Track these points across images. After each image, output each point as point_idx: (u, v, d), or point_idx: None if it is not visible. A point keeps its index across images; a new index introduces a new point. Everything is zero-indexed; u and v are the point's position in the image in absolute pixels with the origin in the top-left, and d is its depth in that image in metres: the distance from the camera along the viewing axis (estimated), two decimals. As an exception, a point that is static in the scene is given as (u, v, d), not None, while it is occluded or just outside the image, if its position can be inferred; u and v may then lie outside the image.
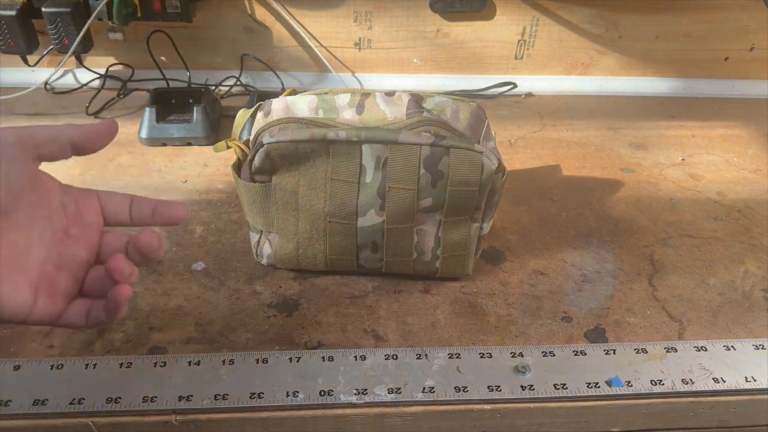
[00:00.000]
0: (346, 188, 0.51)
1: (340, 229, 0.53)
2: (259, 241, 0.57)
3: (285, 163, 0.51)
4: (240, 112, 0.56)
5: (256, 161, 0.51)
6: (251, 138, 0.53)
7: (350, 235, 0.53)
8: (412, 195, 0.50)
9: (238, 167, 0.54)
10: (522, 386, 0.46)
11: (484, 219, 0.55)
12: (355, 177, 0.50)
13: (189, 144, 0.80)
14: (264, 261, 0.57)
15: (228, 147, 0.54)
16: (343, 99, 0.51)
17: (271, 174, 0.52)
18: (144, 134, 0.79)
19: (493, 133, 0.55)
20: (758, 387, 0.48)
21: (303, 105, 0.51)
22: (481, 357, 0.49)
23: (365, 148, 0.49)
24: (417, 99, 0.51)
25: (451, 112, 0.51)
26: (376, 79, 1.01)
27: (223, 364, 0.47)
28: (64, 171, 0.75)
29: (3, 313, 0.32)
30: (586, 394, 0.46)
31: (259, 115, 0.53)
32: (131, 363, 0.47)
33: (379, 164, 0.50)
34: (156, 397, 0.44)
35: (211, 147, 0.80)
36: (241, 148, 0.53)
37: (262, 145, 0.50)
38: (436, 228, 0.53)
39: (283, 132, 0.49)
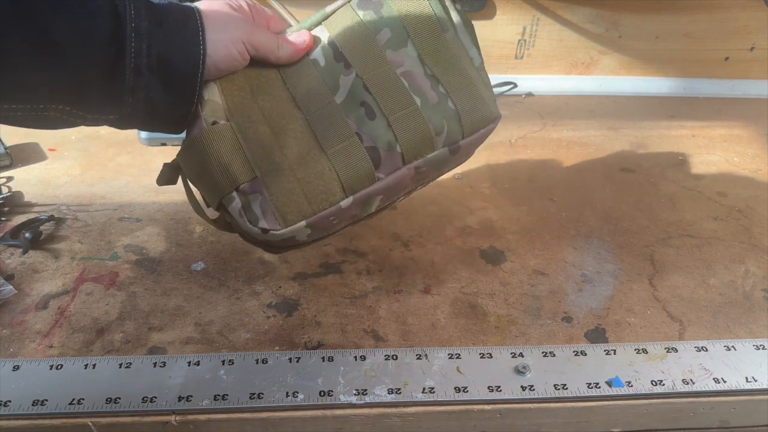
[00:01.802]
0: (308, 81, 0.47)
1: (324, 115, 0.46)
2: (242, 205, 0.45)
3: (236, 94, 0.47)
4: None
5: (205, 93, 0.46)
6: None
7: (337, 114, 0.46)
8: (365, 32, 0.47)
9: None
10: (522, 386, 0.46)
11: (465, 45, 0.49)
12: (311, 69, 0.48)
13: (189, 144, 0.80)
14: (263, 222, 0.45)
15: (171, 179, 0.50)
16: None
17: (227, 115, 0.46)
18: (144, 134, 0.79)
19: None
20: (759, 387, 0.47)
21: None
22: (481, 357, 0.49)
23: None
24: None
25: None
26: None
27: (223, 364, 0.47)
28: (64, 171, 0.75)
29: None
30: (587, 394, 0.46)
31: None
32: (131, 363, 0.47)
33: (325, 46, 0.48)
34: (155, 397, 0.44)
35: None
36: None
37: (206, 82, 0.46)
38: (421, 66, 0.47)
39: None
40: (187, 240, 0.63)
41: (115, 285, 0.56)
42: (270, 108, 0.47)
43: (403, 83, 0.46)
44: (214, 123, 0.46)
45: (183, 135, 0.84)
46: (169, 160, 0.49)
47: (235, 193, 0.45)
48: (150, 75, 0.41)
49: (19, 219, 0.64)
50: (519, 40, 1.00)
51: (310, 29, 0.49)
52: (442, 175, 0.51)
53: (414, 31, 0.47)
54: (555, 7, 0.97)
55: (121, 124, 0.44)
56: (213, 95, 0.46)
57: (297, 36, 0.48)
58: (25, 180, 0.72)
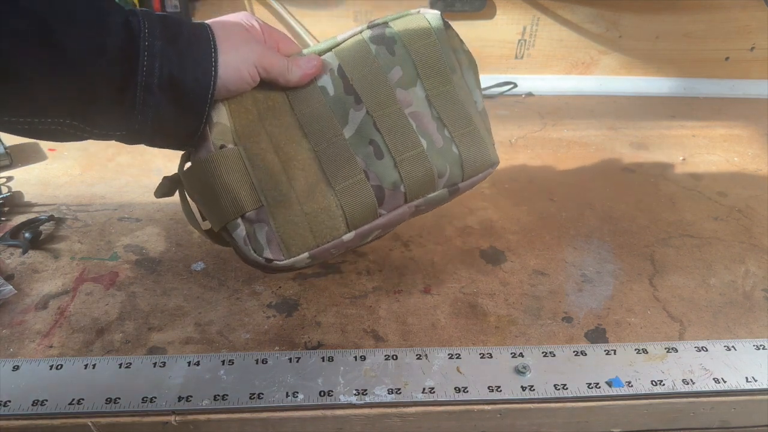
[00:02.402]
0: (316, 110, 0.48)
1: (333, 149, 0.47)
2: (248, 232, 0.45)
3: (244, 117, 0.46)
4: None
5: (214, 116, 0.45)
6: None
7: (345, 150, 0.47)
8: (377, 69, 0.48)
9: (187, 157, 0.48)
10: (522, 386, 0.46)
11: (470, 87, 0.52)
12: (319, 97, 0.48)
13: (189, 144, 0.79)
14: (267, 251, 0.45)
15: (170, 190, 0.50)
16: None
17: (235, 139, 0.46)
18: (144, 134, 0.79)
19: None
20: (759, 387, 0.47)
21: None
22: (481, 357, 0.49)
23: None
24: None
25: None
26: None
27: (223, 364, 0.47)
28: (64, 171, 0.75)
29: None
30: (587, 394, 0.46)
31: None
32: (130, 363, 0.47)
33: (334, 74, 0.49)
34: (155, 397, 0.44)
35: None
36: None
37: (215, 102, 0.45)
38: (428, 107, 0.49)
39: None
40: (187, 240, 0.63)
41: (115, 285, 0.56)
42: (278, 134, 0.47)
43: (411, 125, 0.48)
44: (222, 147, 0.45)
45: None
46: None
47: (240, 221, 0.45)
48: (160, 94, 0.41)
49: (19, 219, 0.64)
50: (519, 40, 1.00)
51: (319, 55, 0.49)
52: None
53: (424, 72, 0.49)
54: (555, 7, 0.97)
55: (128, 139, 0.44)
56: (221, 117, 0.46)
57: (307, 61, 0.48)
58: (25, 180, 0.72)
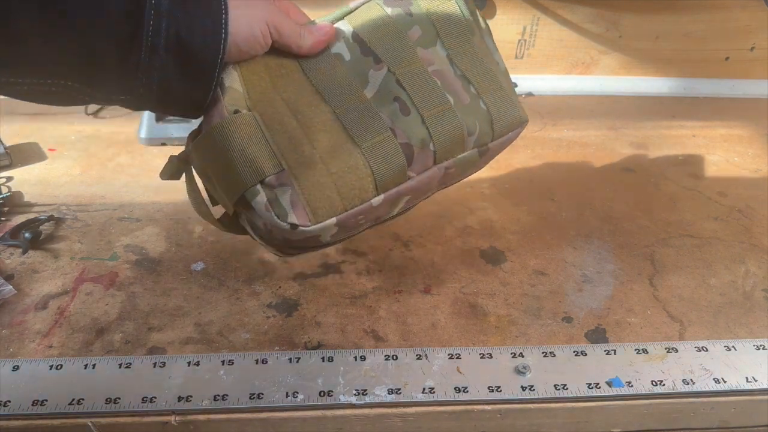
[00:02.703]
0: (333, 75, 0.46)
1: (355, 111, 0.44)
2: (269, 199, 0.42)
3: (258, 83, 0.44)
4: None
5: (226, 80, 0.43)
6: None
7: (369, 109, 0.44)
8: (395, 29, 0.47)
9: (195, 135, 0.45)
10: (522, 387, 0.46)
11: (491, 49, 0.50)
12: (334, 63, 0.46)
13: (189, 144, 0.80)
14: (292, 216, 0.41)
15: (179, 172, 0.47)
16: None
17: (248, 105, 0.43)
18: (143, 134, 0.79)
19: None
20: (759, 387, 0.47)
21: None
22: (481, 357, 0.49)
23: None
24: None
25: None
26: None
27: (223, 364, 0.47)
28: (64, 170, 0.75)
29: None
30: (587, 394, 0.46)
31: None
32: (130, 363, 0.47)
33: (349, 40, 0.47)
34: (155, 397, 0.44)
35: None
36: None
37: (225, 66, 0.43)
38: (450, 65, 0.47)
39: None
40: (187, 240, 0.63)
41: (114, 285, 0.56)
42: (294, 99, 0.44)
43: (436, 82, 0.46)
44: (236, 112, 0.42)
45: (182, 135, 0.84)
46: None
47: (260, 186, 0.41)
48: (167, 55, 0.39)
49: (18, 219, 0.64)
50: (519, 40, 1.00)
51: (331, 23, 0.48)
52: (464, 179, 0.52)
53: (444, 31, 0.47)
54: (555, 7, 0.97)
55: (133, 104, 0.42)
56: (234, 83, 0.43)
57: (318, 27, 0.46)
58: (24, 180, 0.72)
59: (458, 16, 0.48)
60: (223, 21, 0.40)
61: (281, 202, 0.41)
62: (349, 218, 0.43)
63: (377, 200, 0.44)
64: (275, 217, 0.41)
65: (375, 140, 0.44)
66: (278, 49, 0.45)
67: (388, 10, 0.47)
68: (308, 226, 0.42)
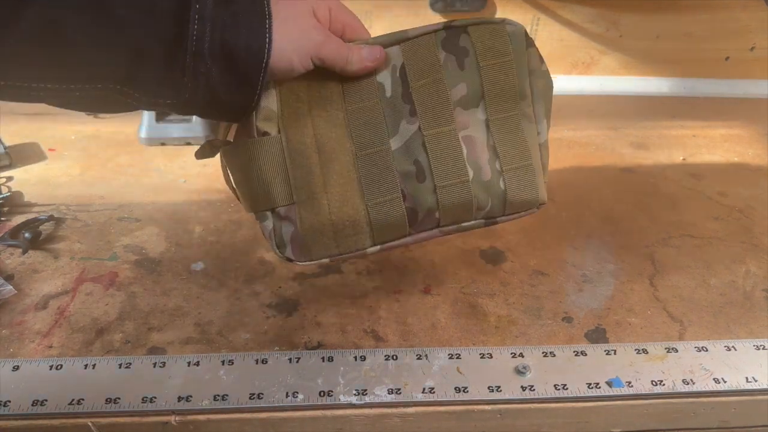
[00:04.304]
0: (368, 110, 0.45)
1: (375, 161, 0.44)
2: (274, 228, 0.45)
3: (294, 102, 0.44)
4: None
5: (263, 100, 0.43)
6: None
7: (387, 165, 0.44)
8: (440, 83, 0.44)
9: (225, 143, 0.47)
10: (522, 387, 0.46)
11: (537, 117, 0.47)
12: (375, 96, 0.45)
13: (188, 144, 0.79)
14: (288, 250, 0.45)
15: (212, 150, 0.47)
16: None
17: (279, 124, 0.44)
18: (143, 134, 0.79)
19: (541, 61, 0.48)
20: (759, 387, 0.47)
21: None
22: (481, 357, 0.49)
23: None
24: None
25: None
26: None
27: (223, 364, 0.47)
28: (64, 170, 0.75)
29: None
30: (587, 394, 0.46)
31: None
32: (130, 363, 0.47)
33: (395, 74, 0.45)
34: (155, 397, 0.44)
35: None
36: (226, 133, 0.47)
37: (267, 85, 0.43)
38: (485, 133, 0.45)
39: None
40: (187, 240, 0.63)
41: (114, 285, 0.56)
42: (323, 128, 0.44)
43: (463, 150, 0.45)
44: (265, 133, 0.44)
45: (182, 134, 0.84)
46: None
47: (269, 214, 0.45)
48: (212, 61, 0.39)
49: (18, 219, 0.64)
50: (519, 40, 1.00)
51: (385, 46, 0.45)
52: None
53: (490, 94, 0.45)
54: (555, 7, 0.97)
55: (180, 109, 0.42)
56: (270, 102, 0.44)
57: (369, 51, 0.44)
58: (24, 180, 0.72)
59: (512, 77, 0.45)
60: (268, 30, 0.40)
61: (283, 235, 0.44)
62: (342, 258, 0.46)
63: (372, 250, 0.46)
64: (275, 246, 0.45)
65: (383, 200, 0.44)
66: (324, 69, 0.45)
67: (442, 57, 0.45)
68: (302, 262, 0.45)
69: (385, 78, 0.45)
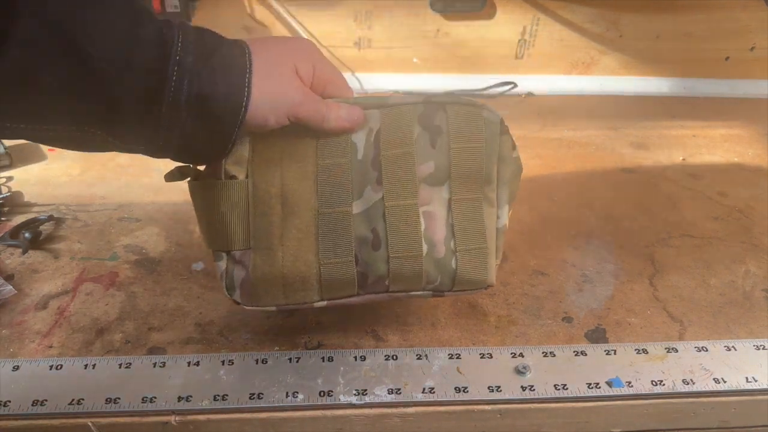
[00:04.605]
0: (338, 168, 0.45)
1: (335, 221, 0.45)
2: (226, 269, 0.46)
3: (267, 150, 0.45)
4: None
5: (235, 146, 0.44)
6: None
7: (345, 227, 0.45)
8: (410, 157, 0.45)
9: (195, 173, 0.47)
10: (522, 387, 0.46)
11: (499, 202, 0.47)
12: (347, 155, 0.45)
13: (189, 144, 0.79)
14: (236, 294, 0.46)
15: (183, 175, 0.47)
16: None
17: (248, 168, 0.45)
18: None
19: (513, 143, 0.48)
20: (759, 387, 0.47)
21: None
22: (481, 357, 0.49)
23: None
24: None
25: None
26: (376, 79, 1.01)
27: (223, 364, 0.47)
28: (64, 170, 0.75)
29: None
30: (587, 394, 0.46)
31: None
32: (130, 363, 0.47)
33: (370, 137, 0.45)
34: (155, 397, 0.44)
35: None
36: (196, 171, 0.47)
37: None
38: (446, 210, 0.46)
39: None
40: (187, 240, 0.63)
41: (114, 285, 0.56)
42: (290, 181, 0.45)
43: (421, 225, 0.45)
44: (232, 177, 0.44)
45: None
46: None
47: (224, 254, 0.45)
48: (188, 111, 0.39)
49: (18, 219, 0.64)
50: (519, 40, 1.00)
51: (365, 108, 0.46)
52: None
53: (456, 176, 0.45)
54: (555, 7, 0.97)
55: (153, 154, 0.42)
56: (242, 147, 0.44)
57: (348, 112, 0.45)
58: (24, 180, 0.72)
59: (478, 166, 0.45)
60: (246, 85, 0.40)
61: (234, 279, 0.45)
62: (289, 308, 0.47)
63: (319, 304, 0.46)
64: (224, 287, 0.46)
65: (336, 261, 0.45)
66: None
67: (417, 131, 0.45)
68: (249, 306, 0.46)
69: (359, 139, 0.45)
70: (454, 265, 0.46)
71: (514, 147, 0.48)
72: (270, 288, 0.45)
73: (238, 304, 0.46)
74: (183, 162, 0.46)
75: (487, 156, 0.45)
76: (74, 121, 0.38)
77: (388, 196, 0.45)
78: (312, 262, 0.45)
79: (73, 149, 0.41)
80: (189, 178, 0.47)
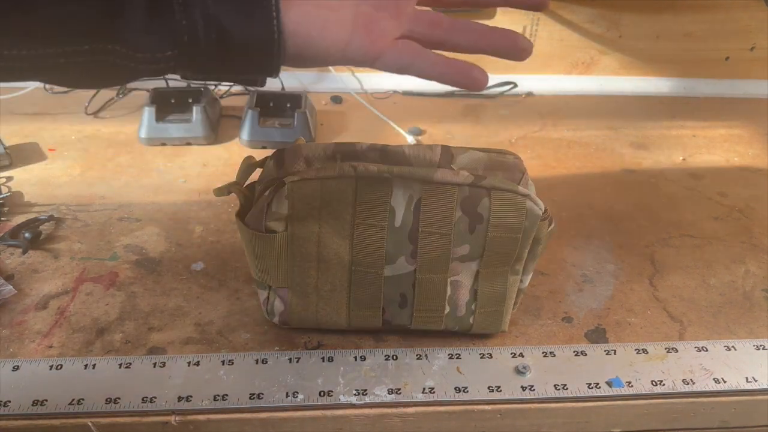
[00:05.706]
0: (374, 233, 0.45)
1: (366, 280, 0.47)
2: (268, 298, 0.49)
3: (306, 207, 0.44)
4: (245, 159, 0.50)
5: (274, 205, 0.44)
6: (261, 183, 0.47)
7: (377, 287, 0.47)
8: (447, 241, 0.45)
9: (242, 215, 0.47)
10: (522, 387, 0.46)
11: (524, 271, 0.49)
12: (384, 220, 0.45)
13: (188, 144, 0.79)
14: (276, 319, 0.50)
15: (229, 192, 0.46)
16: (362, 145, 0.47)
17: (287, 222, 0.45)
18: (143, 134, 0.79)
19: (531, 183, 0.47)
20: (759, 387, 0.47)
21: (319, 151, 0.47)
22: (481, 357, 0.49)
23: (396, 187, 0.44)
24: (446, 152, 0.47)
25: (484, 170, 0.46)
26: (376, 79, 1.00)
27: (223, 364, 0.47)
28: (64, 170, 0.75)
29: (318, 45, 0.34)
30: (587, 394, 0.46)
31: (270, 163, 0.48)
32: (130, 363, 0.47)
33: (410, 205, 0.45)
34: (155, 397, 0.44)
35: (210, 146, 0.80)
36: (244, 195, 0.48)
37: (283, 184, 0.44)
38: (472, 279, 0.48)
39: (307, 170, 0.45)
40: (187, 240, 0.63)
41: (114, 285, 0.56)
42: (328, 236, 0.46)
43: (447, 292, 0.48)
44: (272, 232, 0.46)
45: (182, 135, 0.84)
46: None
47: (267, 286, 0.49)
48: None
49: (18, 219, 0.64)
50: (519, 40, 1.00)
51: (410, 178, 0.44)
52: None
53: (489, 258, 0.46)
54: (555, 7, 0.97)
55: (187, 64, 0.33)
56: (281, 208, 0.44)
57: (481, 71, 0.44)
58: (24, 180, 0.72)
59: (511, 252, 0.46)
60: None
61: (274, 308, 0.50)
62: None
63: (349, 328, 0.51)
64: (265, 312, 0.50)
65: (365, 313, 0.49)
66: (341, 175, 0.43)
67: (457, 215, 0.45)
68: (285, 327, 0.51)
69: (399, 204, 0.45)
70: (471, 321, 0.50)
71: (550, 223, 0.47)
72: (305, 317, 0.49)
73: (276, 325, 0.51)
74: (231, 73, 0.38)
75: (522, 242, 0.46)
76: (77, 34, 0.31)
77: (421, 269, 0.47)
78: (343, 311, 0.49)
79: (96, 84, 0.35)
80: (236, 215, 0.47)
